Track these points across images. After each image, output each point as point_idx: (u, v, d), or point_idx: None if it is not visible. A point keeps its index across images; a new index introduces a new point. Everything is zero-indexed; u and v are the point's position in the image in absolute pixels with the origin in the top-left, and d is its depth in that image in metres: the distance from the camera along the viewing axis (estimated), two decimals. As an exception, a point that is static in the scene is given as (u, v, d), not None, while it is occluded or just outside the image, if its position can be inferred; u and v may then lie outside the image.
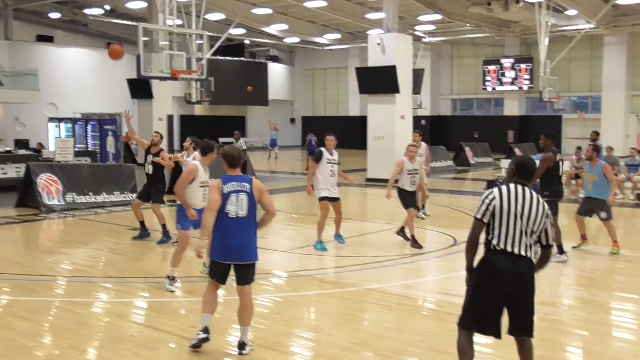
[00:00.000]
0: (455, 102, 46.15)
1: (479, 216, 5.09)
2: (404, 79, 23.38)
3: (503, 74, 41.38)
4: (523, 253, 4.97)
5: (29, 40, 38.35)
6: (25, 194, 16.19)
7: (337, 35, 43.37)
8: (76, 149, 23.53)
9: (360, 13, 35.88)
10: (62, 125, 28.59)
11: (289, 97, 50.93)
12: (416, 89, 30.24)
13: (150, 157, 12.02)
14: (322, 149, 11.69)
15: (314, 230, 11.68)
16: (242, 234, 6.16)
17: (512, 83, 41.15)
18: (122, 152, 27.31)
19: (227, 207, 6.14)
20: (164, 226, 11.90)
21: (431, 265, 10.83)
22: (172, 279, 8.67)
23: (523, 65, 40.64)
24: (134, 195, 17.14)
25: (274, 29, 39.50)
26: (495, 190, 5.12)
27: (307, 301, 8.56)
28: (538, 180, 10.11)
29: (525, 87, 40.88)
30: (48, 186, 15.84)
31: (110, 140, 26.89)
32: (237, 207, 6.16)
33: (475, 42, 42.49)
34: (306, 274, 9.82)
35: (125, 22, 36.85)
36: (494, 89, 42.24)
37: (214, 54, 35.94)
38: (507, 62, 41.22)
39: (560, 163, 10.56)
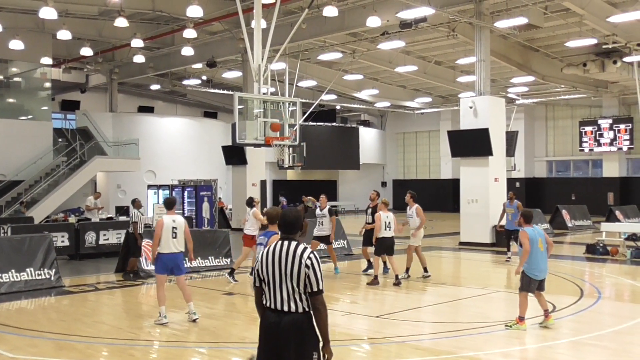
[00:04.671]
0: (551, 164, 45.06)
1: (255, 283, 5.32)
2: (497, 142, 23.08)
3: (601, 135, 40.18)
4: (286, 309, 5.10)
5: (131, 111, 40.32)
6: (125, 260, 16.63)
7: (428, 99, 43.47)
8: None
9: (451, 77, 35.91)
10: (160, 192, 29.55)
11: (380, 161, 51.07)
12: (510, 152, 29.70)
13: None
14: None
15: (406, 295, 11.44)
16: None
17: (611, 144, 39.84)
18: (217, 217, 27.92)
19: None
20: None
21: (530, 333, 10.39)
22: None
23: (622, 126, 39.35)
24: (229, 260, 17.43)
25: (365, 94, 40.00)
26: (260, 253, 5.38)
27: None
28: None
29: (625, 148, 39.50)
30: (147, 252, 16.23)
31: (205, 206, 27.53)
32: None
33: (570, 103, 41.61)
34: (400, 340, 9.61)
35: (221, 91, 38.26)
36: (591, 150, 41.00)
37: (306, 119, 36.73)
38: (605, 123, 40.01)
39: None
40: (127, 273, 16.04)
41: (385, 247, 14.69)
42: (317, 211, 16.15)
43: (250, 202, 15.61)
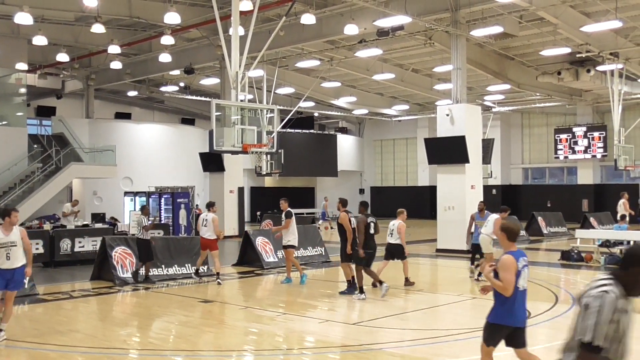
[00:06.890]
0: (527, 171, 45.47)
1: None
2: (474, 149, 23.25)
3: (575, 143, 40.66)
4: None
5: (108, 117, 40.03)
6: (101, 267, 16.51)
7: (406, 107, 43.69)
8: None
9: (428, 85, 36.13)
10: (137, 199, 29.34)
11: (358, 168, 51.19)
12: (486, 159, 29.95)
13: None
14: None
15: (383, 303, 11.46)
16: None
17: (585, 151, 40.32)
18: (193, 224, 27.76)
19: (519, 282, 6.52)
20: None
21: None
22: None
23: (596, 134, 39.85)
24: (205, 267, 17.29)
25: (343, 101, 40.12)
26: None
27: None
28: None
29: (598, 156, 39.97)
30: (122, 259, 16.15)
31: (182, 213, 27.38)
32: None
33: (545, 111, 42.06)
34: (377, 348, 9.63)
35: (198, 98, 38.16)
36: (566, 157, 41.46)
37: (284, 126, 36.74)
38: (579, 131, 40.51)
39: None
40: (147, 278, 16.13)
41: (389, 253, 15.46)
42: (283, 216, 15.92)
43: (213, 205, 16.35)
